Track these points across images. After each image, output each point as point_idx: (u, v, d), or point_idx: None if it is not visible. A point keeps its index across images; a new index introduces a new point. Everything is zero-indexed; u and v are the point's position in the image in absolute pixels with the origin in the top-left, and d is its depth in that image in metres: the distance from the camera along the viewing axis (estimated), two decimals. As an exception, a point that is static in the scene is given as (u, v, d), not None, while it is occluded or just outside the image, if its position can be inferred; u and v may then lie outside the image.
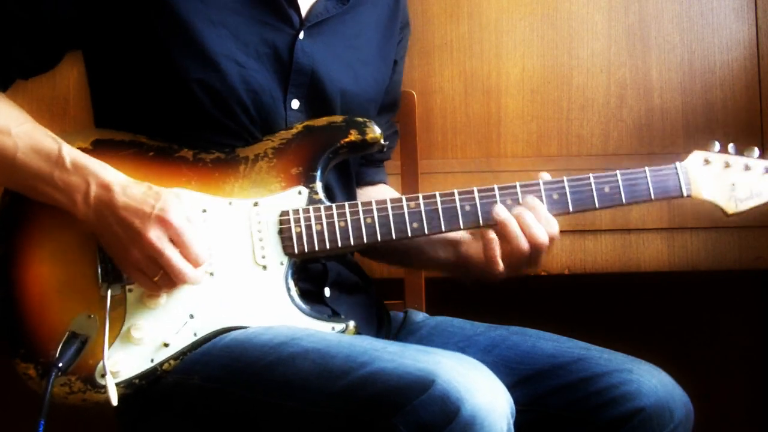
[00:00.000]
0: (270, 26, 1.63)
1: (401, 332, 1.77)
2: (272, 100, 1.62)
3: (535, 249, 1.58)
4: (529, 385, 1.58)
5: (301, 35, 1.65)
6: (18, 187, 1.58)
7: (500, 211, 1.58)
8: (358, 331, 1.59)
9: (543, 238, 1.57)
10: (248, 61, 1.60)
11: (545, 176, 1.63)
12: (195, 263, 1.51)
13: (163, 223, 1.48)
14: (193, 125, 1.59)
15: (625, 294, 2.43)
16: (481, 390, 1.35)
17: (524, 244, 1.57)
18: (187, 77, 1.57)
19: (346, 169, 1.72)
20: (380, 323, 1.76)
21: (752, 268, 2.08)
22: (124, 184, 1.52)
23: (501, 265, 1.60)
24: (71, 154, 1.53)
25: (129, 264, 1.50)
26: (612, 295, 2.43)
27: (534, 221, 1.57)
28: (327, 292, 1.67)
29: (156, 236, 1.48)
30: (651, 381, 1.55)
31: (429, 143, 2.28)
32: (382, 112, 1.82)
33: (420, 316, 1.82)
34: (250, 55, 1.61)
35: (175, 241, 1.49)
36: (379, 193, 1.88)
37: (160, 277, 1.50)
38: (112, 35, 1.60)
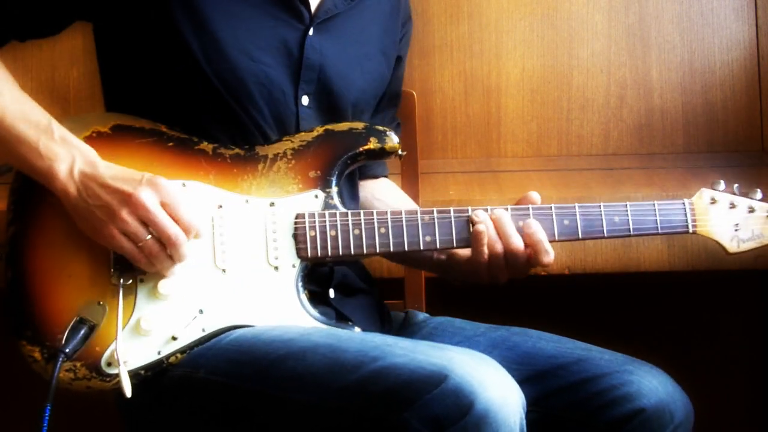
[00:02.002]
0: (281, 21, 1.63)
1: (402, 332, 1.77)
2: (283, 95, 1.63)
3: (511, 253, 1.57)
4: (530, 385, 1.57)
5: (311, 31, 1.65)
6: None
7: (479, 214, 1.58)
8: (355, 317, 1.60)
9: (517, 244, 1.57)
10: (260, 55, 1.60)
11: (535, 196, 1.62)
12: (187, 230, 1.49)
13: (155, 186, 1.47)
14: (203, 117, 1.59)
15: (625, 294, 2.43)
16: (494, 385, 1.36)
17: (499, 247, 1.57)
18: (201, 68, 1.57)
19: (351, 177, 1.72)
20: (382, 323, 1.76)
21: (752, 268, 2.08)
22: (108, 163, 1.51)
23: (486, 257, 1.59)
24: (60, 129, 1.52)
25: (114, 230, 1.47)
26: (612, 295, 2.43)
27: (511, 228, 1.57)
28: (331, 293, 1.67)
29: (147, 195, 1.46)
30: (651, 382, 1.55)
31: (429, 143, 2.29)
32: (385, 107, 1.82)
33: (421, 316, 1.83)
34: (262, 49, 1.61)
35: (168, 203, 1.48)
36: (381, 188, 1.89)
37: (147, 244, 1.48)
38: (127, 19, 1.59)
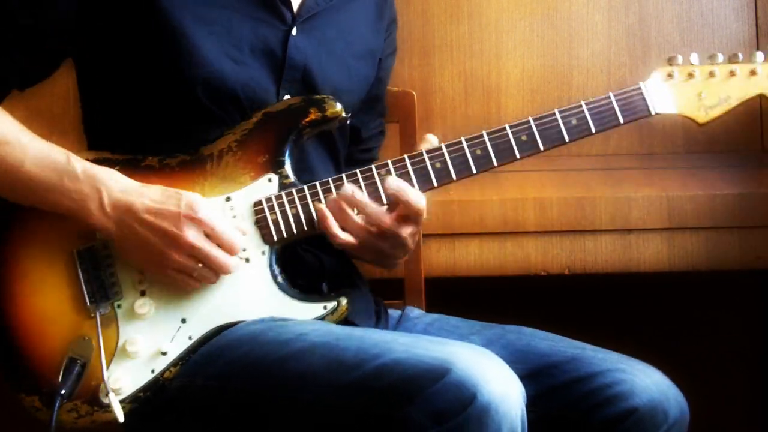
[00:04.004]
0: (263, 22, 1.64)
1: (397, 329, 1.78)
2: (265, 94, 1.63)
3: (376, 220, 1.56)
4: (524, 384, 1.58)
5: (294, 31, 1.65)
6: (25, 199, 1.57)
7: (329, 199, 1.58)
8: (350, 310, 1.60)
9: (374, 210, 1.55)
10: (242, 57, 1.61)
11: (433, 140, 1.63)
12: (231, 251, 1.53)
13: (195, 221, 1.51)
14: (191, 124, 1.60)
15: (625, 294, 2.42)
16: (496, 378, 1.36)
17: (360, 221, 1.56)
18: (185, 78, 1.58)
19: (333, 146, 1.72)
20: (378, 319, 1.77)
21: (752, 268, 2.08)
22: (138, 189, 1.53)
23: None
24: (80, 163, 1.54)
25: (167, 267, 1.52)
26: (612, 295, 2.43)
27: (361, 195, 1.56)
28: (324, 287, 1.68)
29: (193, 236, 1.51)
30: (644, 381, 1.55)
31: (429, 143, 2.28)
32: (368, 110, 1.82)
33: (416, 312, 1.84)
34: (243, 51, 1.61)
35: (210, 235, 1.52)
36: None
37: (199, 271, 1.53)
38: (108, 39, 1.60)
